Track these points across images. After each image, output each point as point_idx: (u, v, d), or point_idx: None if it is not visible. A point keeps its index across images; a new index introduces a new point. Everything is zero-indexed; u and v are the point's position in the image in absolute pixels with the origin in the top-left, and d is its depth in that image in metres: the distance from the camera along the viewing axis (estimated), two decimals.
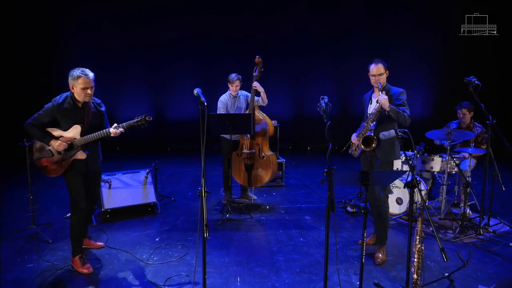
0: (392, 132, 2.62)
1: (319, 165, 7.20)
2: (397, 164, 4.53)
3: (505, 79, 8.27)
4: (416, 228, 2.47)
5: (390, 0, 8.17)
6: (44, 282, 2.91)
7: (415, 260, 2.44)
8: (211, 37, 8.26)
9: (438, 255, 3.31)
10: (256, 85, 4.32)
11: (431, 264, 3.22)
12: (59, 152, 2.95)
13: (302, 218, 4.35)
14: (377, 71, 3.12)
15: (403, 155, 2.55)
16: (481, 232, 3.76)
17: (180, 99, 8.60)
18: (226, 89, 4.61)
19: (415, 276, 2.44)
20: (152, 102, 8.75)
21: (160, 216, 4.37)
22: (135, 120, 2.95)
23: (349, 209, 4.49)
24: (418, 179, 2.90)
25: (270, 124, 4.51)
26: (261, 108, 4.60)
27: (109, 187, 4.21)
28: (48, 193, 5.12)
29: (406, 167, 4.41)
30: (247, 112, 4.50)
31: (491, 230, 3.89)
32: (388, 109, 2.97)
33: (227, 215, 4.35)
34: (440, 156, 4.25)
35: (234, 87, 4.46)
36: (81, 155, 2.97)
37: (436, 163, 4.24)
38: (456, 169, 4.15)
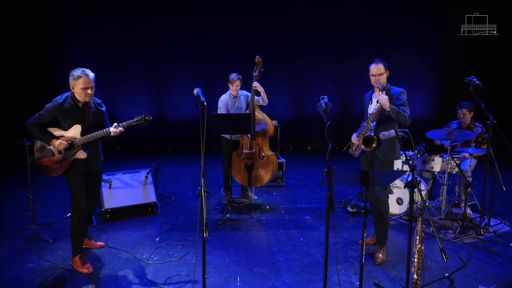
0: (392, 132, 2.61)
1: (320, 165, 7.19)
2: (398, 164, 4.53)
3: (505, 79, 8.27)
4: (416, 228, 2.47)
5: (390, 0, 8.17)
6: (44, 281, 2.91)
7: (415, 260, 2.44)
8: (211, 37, 8.26)
9: (439, 255, 3.31)
10: (256, 85, 4.32)
11: (431, 264, 3.22)
12: (59, 152, 2.97)
13: (302, 218, 4.34)
14: (377, 71, 3.12)
15: (403, 155, 2.54)
16: (482, 232, 3.75)
17: (180, 99, 8.61)
18: (226, 89, 4.61)
19: (415, 276, 2.44)
20: (152, 102, 8.75)
21: (161, 216, 4.37)
22: (135, 120, 2.96)
23: (349, 209, 4.49)
24: (418, 179, 2.90)
25: (270, 124, 4.51)
26: (261, 108, 4.59)
27: (110, 187, 4.21)
28: (48, 193, 5.12)
29: (406, 167, 4.41)
30: (247, 112, 4.50)
31: (492, 230, 3.88)
32: (388, 109, 2.97)
33: (227, 215, 4.35)
34: (440, 156, 4.24)
35: (234, 87, 4.46)
36: (81, 155, 2.98)
37: (437, 163, 4.24)
38: (456, 169, 4.15)
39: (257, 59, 4.29)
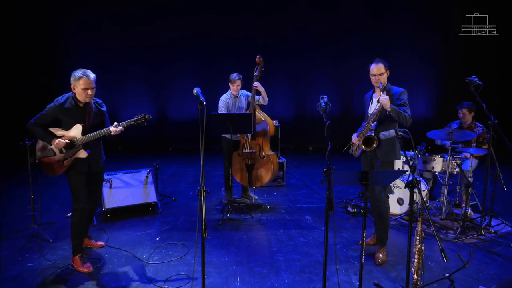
0: (392, 132, 2.61)
1: (320, 165, 7.19)
2: (398, 164, 4.53)
3: (506, 79, 8.27)
4: (417, 229, 2.46)
5: (390, 0, 8.17)
6: (45, 280, 2.91)
7: (415, 260, 2.43)
8: (211, 37, 8.27)
9: (439, 256, 3.27)
10: (257, 85, 4.32)
11: (431, 264, 3.21)
12: (61, 151, 3.00)
13: (302, 218, 4.34)
14: (377, 70, 3.12)
15: (404, 155, 2.54)
16: (483, 233, 3.75)
17: (181, 99, 8.61)
18: (226, 89, 4.61)
19: (415, 276, 2.43)
20: (153, 102, 8.76)
21: (161, 215, 4.37)
22: (135, 119, 2.99)
23: (350, 209, 4.49)
24: (418, 179, 2.90)
25: (271, 124, 4.51)
26: (262, 108, 4.59)
27: (110, 187, 4.21)
28: (49, 193, 5.11)
29: (407, 167, 4.40)
30: (247, 111, 4.50)
31: (493, 231, 3.87)
32: (389, 109, 2.96)
33: (228, 215, 4.34)
34: (441, 156, 4.24)
35: (235, 86, 4.46)
36: (82, 154, 3.01)
37: (437, 163, 4.24)
38: (457, 169, 4.14)
39: (258, 59, 4.29)
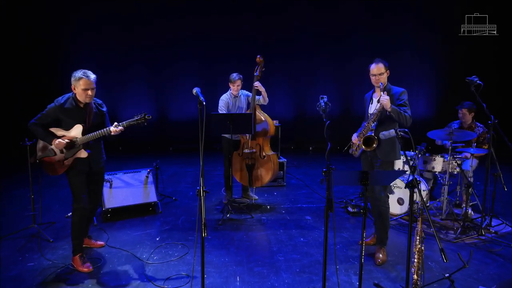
0: (392, 131, 2.61)
1: (321, 165, 7.19)
2: (399, 164, 4.53)
3: (506, 79, 8.27)
4: (416, 229, 2.46)
5: (390, 0, 8.17)
6: (45, 280, 2.91)
7: (415, 260, 2.43)
8: (211, 37, 8.27)
9: (439, 256, 3.25)
10: (257, 84, 4.32)
11: (431, 264, 3.21)
12: (61, 151, 3.02)
13: (303, 218, 4.34)
14: (377, 70, 3.12)
15: (403, 155, 2.54)
16: (483, 233, 3.75)
17: (181, 99, 8.62)
18: (226, 89, 4.61)
19: (415, 276, 2.43)
20: (153, 102, 8.76)
21: (161, 215, 4.37)
22: (134, 119, 3.01)
23: (350, 209, 4.49)
24: (418, 179, 2.90)
25: (271, 124, 4.50)
26: (262, 107, 4.59)
27: (110, 187, 4.21)
28: (50, 193, 5.12)
29: (407, 167, 4.40)
30: (248, 111, 4.50)
31: (493, 231, 3.87)
32: (389, 109, 2.96)
33: (228, 215, 4.34)
34: (441, 156, 4.24)
35: (235, 86, 4.46)
36: (83, 154, 3.03)
37: (438, 163, 4.24)
38: (457, 169, 4.14)
39: (258, 58, 4.29)
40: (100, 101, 3.21)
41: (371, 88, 3.38)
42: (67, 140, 2.95)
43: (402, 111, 3.00)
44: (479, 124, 4.52)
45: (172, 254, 3.40)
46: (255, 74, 4.33)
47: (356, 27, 8.37)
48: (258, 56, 4.28)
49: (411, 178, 2.27)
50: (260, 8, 8.23)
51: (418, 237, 2.44)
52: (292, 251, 3.48)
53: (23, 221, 4.02)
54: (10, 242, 3.58)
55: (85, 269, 3.04)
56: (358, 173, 2.29)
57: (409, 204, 2.38)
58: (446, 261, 2.11)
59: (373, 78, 3.17)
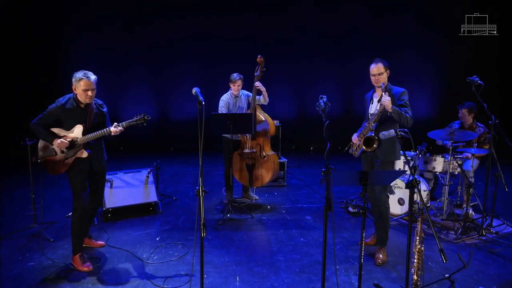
0: (392, 131, 2.60)
1: (322, 165, 7.16)
2: (399, 165, 4.52)
3: (506, 79, 8.26)
4: (416, 229, 2.46)
5: (390, 0, 8.17)
6: (45, 280, 2.91)
7: (415, 260, 2.43)
8: (211, 37, 8.27)
9: (439, 256, 3.25)
10: (258, 84, 4.32)
11: (432, 265, 3.21)
12: (62, 151, 3.03)
13: (303, 218, 4.34)
14: (377, 70, 3.11)
15: (403, 155, 2.53)
16: (484, 233, 3.74)
17: (181, 99, 8.62)
18: (226, 89, 4.61)
19: (415, 277, 2.43)
20: (154, 102, 8.77)
21: (161, 215, 4.37)
22: (134, 119, 3.03)
23: (350, 209, 4.48)
24: (419, 179, 2.89)
25: (272, 124, 4.50)
26: (263, 107, 4.59)
27: (111, 186, 4.22)
28: (51, 193, 5.12)
29: (408, 167, 4.40)
30: (248, 111, 4.49)
31: (494, 231, 3.86)
32: (390, 110, 2.95)
33: (228, 215, 4.34)
34: (442, 157, 4.23)
35: (236, 86, 4.46)
36: (83, 154, 3.04)
37: (438, 164, 4.23)
38: (458, 169, 4.13)
39: (259, 58, 4.29)
40: (100, 102, 3.22)
41: (371, 88, 3.38)
42: (68, 140, 2.96)
43: (403, 112, 2.99)
44: (480, 124, 4.51)
45: (172, 254, 3.40)
46: (255, 74, 4.32)
47: (356, 27, 8.37)
48: (259, 56, 4.28)
49: (411, 178, 2.26)
50: (260, 8, 8.22)
51: (418, 238, 2.44)
52: (292, 251, 3.48)
53: (24, 220, 4.02)
54: (11, 242, 3.58)
55: (85, 269, 3.04)
56: (357, 173, 2.29)
57: (409, 204, 2.37)
58: (446, 261, 2.11)
59: (373, 78, 3.17)
